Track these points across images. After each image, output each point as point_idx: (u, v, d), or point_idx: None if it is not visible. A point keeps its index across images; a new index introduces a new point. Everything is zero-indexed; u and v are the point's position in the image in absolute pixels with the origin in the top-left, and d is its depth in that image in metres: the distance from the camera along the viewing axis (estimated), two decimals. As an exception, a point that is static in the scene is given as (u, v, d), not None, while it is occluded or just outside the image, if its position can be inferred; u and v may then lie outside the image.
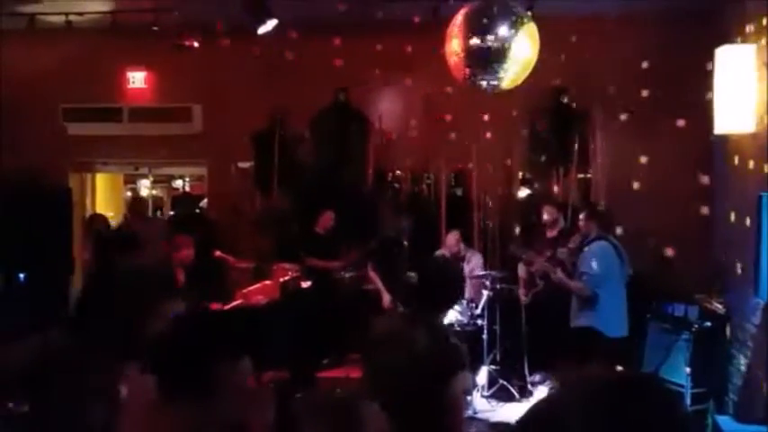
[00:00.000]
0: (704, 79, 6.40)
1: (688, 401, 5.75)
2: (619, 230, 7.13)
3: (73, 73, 8.80)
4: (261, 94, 8.36)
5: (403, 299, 6.32)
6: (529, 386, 6.95)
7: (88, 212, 9.38)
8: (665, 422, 1.45)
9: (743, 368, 5.99)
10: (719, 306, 6.43)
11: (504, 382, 6.89)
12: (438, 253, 7.54)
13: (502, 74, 5.43)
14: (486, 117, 7.88)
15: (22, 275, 7.01)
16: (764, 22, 5.71)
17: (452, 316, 6.89)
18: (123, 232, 8.32)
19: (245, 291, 6.87)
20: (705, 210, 7.39)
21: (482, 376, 6.87)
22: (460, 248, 7.46)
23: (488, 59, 5.39)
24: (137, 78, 9.16)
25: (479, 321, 6.95)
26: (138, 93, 9.17)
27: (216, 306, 6.09)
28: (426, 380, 2.01)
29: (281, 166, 8.44)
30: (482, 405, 6.68)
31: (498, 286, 7.19)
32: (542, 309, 6.72)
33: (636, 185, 7.75)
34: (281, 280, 7.16)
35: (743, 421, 5.65)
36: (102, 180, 10.26)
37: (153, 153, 9.28)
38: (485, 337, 6.91)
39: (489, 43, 5.33)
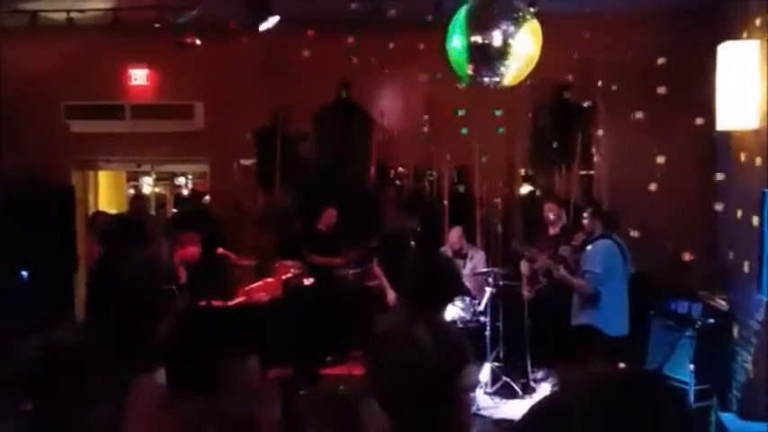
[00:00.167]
0: (707, 76, 6.38)
1: (691, 398, 5.75)
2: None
3: (75, 70, 8.80)
4: (263, 92, 8.36)
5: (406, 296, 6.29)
6: (532, 383, 6.94)
7: (91, 210, 9.38)
8: (668, 419, 1.45)
9: (746, 365, 5.98)
10: (723, 303, 6.42)
11: (507, 379, 6.89)
12: (442, 250, 7.54)
13: (504, 70, 5.41)
14: (488, 114, 7.87)
15: (25, 273, 7.03)
16: (766, 18, 5.69)
17: (455, 313, 6.88)
18: (130, 221, 8.30)
19: (247, 288, 6.88)
20: (708, 206, 7.37)
21: (485, 373, 6.87)
22: (463, 245, 7.45)
23: (491, 56, 5.37)
24: (139, 76, 9.17)
25: (482, 318, 6.95)
26: (141, 90, 9.17)
27: (217, 303, 6.09)
28: (433, 377, 2.01)
29: (284, 164, 8.43)
30: (485, 402, 6.67)
31: (501, 283, 7.18)
32: (545, 306, 6.71)
33: (638, 182, 7.73)
34: (284, 277, 7.16)
35: (746, 418, 5.63)
36: (104, 177, 10.27)
37: (155, 150, 9.28)
38: (487, 334, 6.90)
39: (491, 40, 5.31)
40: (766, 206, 5.36)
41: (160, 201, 11.07)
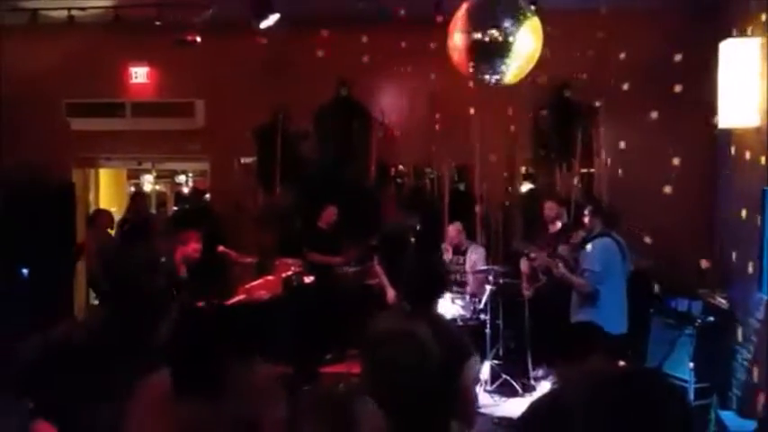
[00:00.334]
0: (709, 74, 6.38)
1: (691, 396, 5.75)
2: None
3: (75, 68, 8.81)
4: (263, 90, 8.36)
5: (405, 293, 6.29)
6: (532, 381, 6.94)
7: (92, 208, 9.39)
8: (668, 416, 1.45)
9: (746, 363, 5.98)
10: (723, 301, 6.41)
11: (507, 377, 6.89)
12: (442, 247, 7.56)
13: (505, 68, 5.41)
14: (488, 111, 7.86)
15: (25, 271, 7.03)
16: (767, 15, 5.69)
17: (455, 311, 6.89)
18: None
19: (247, 286, 6.88)
20: (709, 204, 7.37)
21: (485, 371, 6.87)
22: (462, 240, 7.45)
23: (491, 54, 5.37)
24: (139, 74, 9.17)
25: (482, 316, 6.95)
26: (141, 88, 9.18)
27: (217, 302, 6.10)
28: (436, 374, 2.01)
29: (284, 162, 8.43)
30: (485, 400, 6.67)
31: (501, 281, 7.18)
32: (545, 304, 6.70)
33: (638, 180, 7.73)
34: (284, 275, 7.16)
35: (746, 416, 5.63)
36: (105, 175, 10.27)
37: (156, 148, 9.29)
38: (487, 331, 6.91)
39: (492, 37, 5.31)
40: (767, 204, 5.35)
41: (161, 199, 11.08)
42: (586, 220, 6.22)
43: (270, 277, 7.15)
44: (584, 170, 8.14)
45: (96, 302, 8.62)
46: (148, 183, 11.08)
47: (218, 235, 7.78)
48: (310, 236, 7.81)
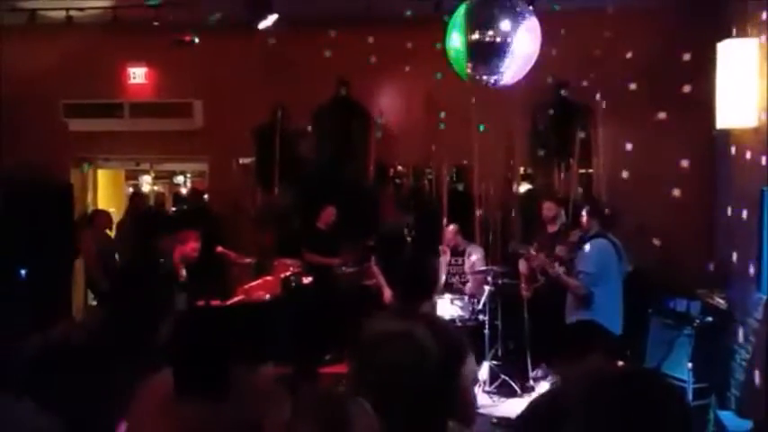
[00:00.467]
0: (707, 74, 6.38)
1: (690, 397, 5.74)
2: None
3: (73, 69, 8.80)
4: (262, 90, 8.35)
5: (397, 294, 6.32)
6: (531, 382, 6.94)
7: (90, 208, 9.38)
8: (667, 417, 1.45)
9: (745, 364, 5.98)
10: (721, 301, 6.41)
11: (506, 378, 6.88)
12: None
13: (503, 69, 5.41)
14: (487, 112, 7.86)
15: (23, 271, 7.02)
16: (766, 16, 5.69)
17: (454, 311, 6.89)
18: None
19: (246, 286, 6.88)
20: (707, 204, 7.38)
21: (484, 372, 6.87)
22: (459, 242, 7.46)
23: (489, 54, 5.37)
24: (137, 74, 9.16)
25: (481, 317, 6.94)
26: (139, 88, 9.17)
27: (215, 302, 6.09)
28: (434, 375, 2.01)
29: (283, 162, 8.43)
30: (484, 400, 6.67)
31: (500, 282, 7.18)
32: (543, 305, 6.70)
33: (637, 180, 7.74)
34: (283, 276, 7.16)
35: (745, 416, 5.64)
36: (103, 176, 10.26)
37: (154, 149, 9.28)
38: (486, 332, 6.90)
39: (490, 38, 5.31)
40: (765, 204, 5.35)
41: (159, 199, 11.07)
42: (583, 219, 6.22)
43: (268, 278, 7.15)
44: (583, 170, 8.14)
45: (95, 303, 8.62)
46: (147, 183, 11.07)
47: (216, 235, 7.77)
48: (309, 236, 7.80)
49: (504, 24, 5.30)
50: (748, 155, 6.11)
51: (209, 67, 8.54)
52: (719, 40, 6.13)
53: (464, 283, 7.36)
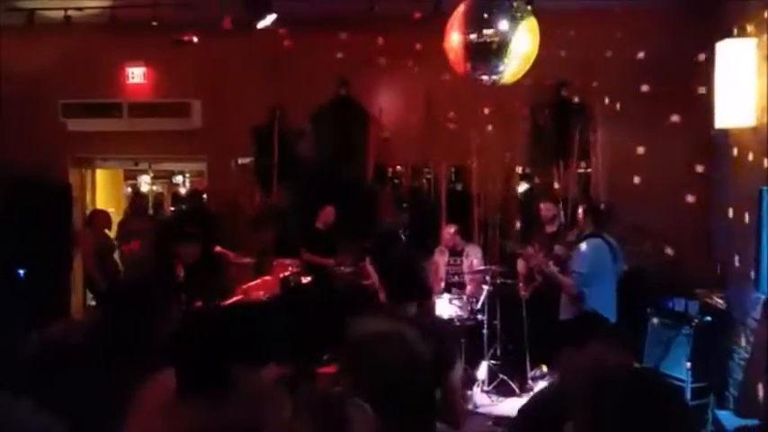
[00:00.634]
0: (705, 73, 6.39)
1: (688, 396, 5.75)
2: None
3: (72, 68, 8.79)
4: (260, 89, 8.35)
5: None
6: (529, 381, 6.95)
7: (88, 209, 9.37)
8: (668, 417, 1.45)
9: (743, 363, 5.99)
10: (720, 301, 6.42)
11: (505, 377, 6.89)
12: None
13: (502, 68, 5.40)
14: (486, 112, 7.87)
15: (21, 271, 7.01)
16: (765, 15, 5.69)
17: (453, 311, 6.90)
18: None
19: (245, 286, 6.87)
20: (706, 204, 7.38)
21: (482, 371, 6.88)
22: (457, 242, 7.46)
23: (488, 54, 5.37)
24: (136, 74, 9.15)
25: (480, 316, 6.95)
26: (138, 88, 9.16)
27: (214, 302, 6.09)
28: (425, 376, 2.01)
29: (282, 162, 8.42)
30: (482, 400, 6.68)
31: (498, 281, 7.19)
32: (542, 304, 6.71)
33: (636, 180, 7.75)
34: (281, 276, 7.15)
35: (743, 416, 5.64)
36: (102, 176, 10.26)
37: (152, 149, 9.27)
38: (485, 332, 6.91)
39: (489, 37, 5.31)
40: (764, 204, 5.36)
41: (158, 199, 11.07)
42: (579, 219, 6.22)
43: (267, 277, 7.14)
44: (582, 170, 8.14)
45: (93, 303, 8.62)
46: (145, 183, 11.06)
47: (215, 235, 7.77)
48: (307, 236, 7.80)
49: (504, 24, 5.30)
50: (747, 155, 6.12)
51: (208, 67, 8.54)
52: (719, 39, 6.13)
53: (463, 283, 7.36)
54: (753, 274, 5.57)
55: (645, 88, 7.74)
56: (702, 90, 6.52)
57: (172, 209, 11.17)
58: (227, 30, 7.56)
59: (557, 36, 6.47)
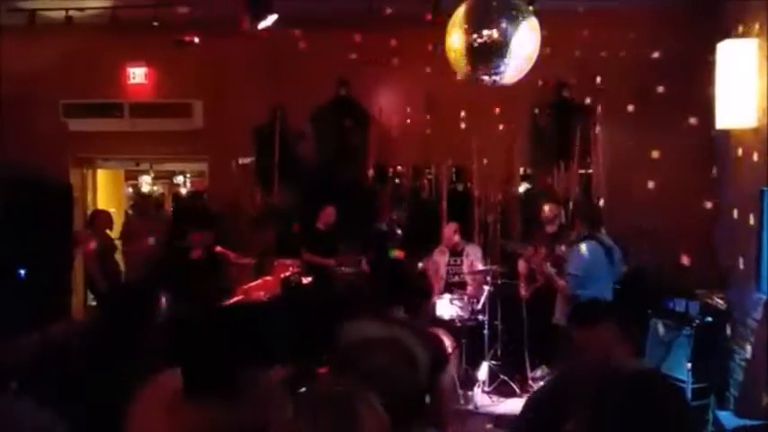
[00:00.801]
0: (706, 74, 6.39)
1: (689, 397, 5.75)
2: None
3: (73, 69, 8.80)
4: (261, 90, 8.35)
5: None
6: (530, 381, 6.95)
7: (89, 209, 9.38)
8: (670, 416, 1.45)
9: (743, 364, 5.98)
10: (720, 301, 6.42)
11: (506, 378, 6.89)
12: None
13: (503, 69, 5.39)
14: (486, 112, 7.87)
15: (22, 271, 7.01)
16: (766, 16, 5.69)
17: (453, 311, 6.90)
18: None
19: (245, 287, 6.87)
20: (707, 205, 7.38)
21: (483, 372, 6.88)
22: (458, 242, 7.46)
23: (489, 54, 5.36)
24: (137, 74, 9.16)
25: (480, 317, 6.95)
26: (139, 88, 9.17)
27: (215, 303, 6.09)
28: (420, 379, 2.00)
29: (282, 162, 8.43)
30: (483, 400, 6.68)
31: (499, 282, 7.19)
32: (543, 304, 6.71)
33: (637, 181, 7.74)
34: (282, 276, 7.15)
35: (743, 416, 5.64)
36: (103, 176, 10.27)
37: (154, 149, 9.28)
38: (486, 332, 6.91)
39: (490, 38, 5.31)
40: (765, 204, 5.36)
41: (158, 200, 11.08)
42: (575, 221, 6.23)
43: (268, 278, 7.14)
44: (583, 170, 8.14)
45: (94, 303, 8.62)
46: (146, 183, 11.08)
47: (216, 236, 7.78)
48: (308, 237, 7.80)
49: (504, 24, 5.30)
50: (747, 155, 6.11)
51: (209, 68, 8.54)
52: (720, 40, 6.13)
53: (463, 283, 7.36)
54: (754, 274, 5.56)
55: (646, 88, 7.73)
56: (704, 90, 6.51)
57: (172, 209, 11.17)
58: (228, 30, 7.56)
59: (558, 36, 6.47)
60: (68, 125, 8.86)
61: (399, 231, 7.85)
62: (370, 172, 8.50)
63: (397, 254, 7.28)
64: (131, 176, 11.36)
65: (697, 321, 6.20)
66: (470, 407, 6.56)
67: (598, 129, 7.97)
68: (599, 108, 7.91)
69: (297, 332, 6.99)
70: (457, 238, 7.46)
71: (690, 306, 6.44)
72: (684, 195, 7.56)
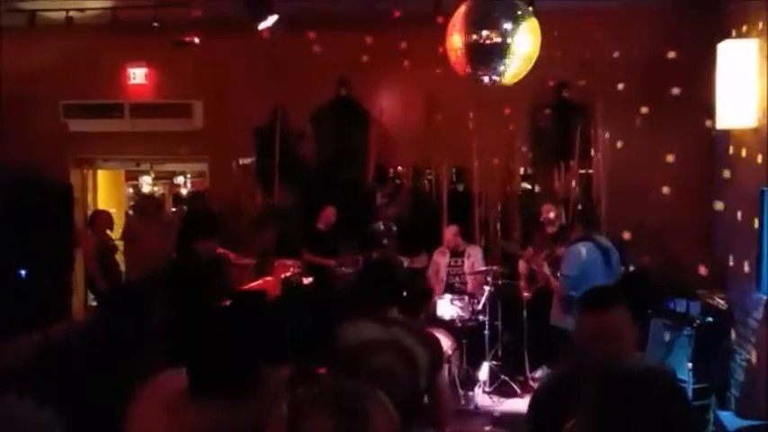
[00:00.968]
0: (707, 74, 6.38)
1: (690, 397, 5.74)
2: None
3: (73, 69, 8.81)
4: (262, 90, 8.35)
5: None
6: (530, 382, 6.94)
7: (90, 209, 9.38)
8: (669, 416, 1.45)
9: (745, 364, 5.98)
10: (721, 302, 6.41)
11: (506, 378, 6.89)
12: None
13: (503, 69, 5.41)
14: (487, 112, 7.87)
15: (23, 272, 7.02)
16: (766, 16, 5.69)
17: (454, 311, 6.89)
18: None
19: (246, 287, 6.88)
20: (707, 205, 7.37)
21: (484, 372, 6.88)
22: (459, 243, 7.46)
23: (490, 55, 5.37)
24: (137, 74, 9.16)
25: (481, 317, 6.95)
26: (139, 89, 9.17)
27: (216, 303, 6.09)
28: (417, 379, 2.00)
29: (283, 162, 8.42)
30: (484, 400, 6.68)
31: (500, 282, 7.19)
32: (543, 305, 6.71)
33: (637, 181, 7.74)
34: (283, 276, 7.15)
35: (744, 416, 5.64)
36: (103, 176, 10.27)
37: (154, 149, 9.28)
38: (486, 332, 6.91)
39: (490, 38, 5.31)
40: (765, 204, 5.36)
41: (158, 200, 11.05)
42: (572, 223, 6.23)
43: (268, 278, 7.15)
44: (583, 171, 8.14)
45: (95, 303, 8.62)
46: (147, 184, 11.07)
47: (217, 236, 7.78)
48: (309, 237, 7.80)
49: (505, 25, 5.30)
50: (748, 155, 6.11)
51: (210, 68, 8.54)
52: (719, 40, 6.13)
53: (464, 284, 7.36)
54: (754, 274, 5.56)
55: (646, 89, 7.73)
56: (704, 91, 6.51)
57: (173, 209, 11.16)
58: (228, 30, 7.58)
59: (558, 36, 6.47)
60: (69, 126, 8.87)
61: (395, 228, 7.84)
62: (371, 172, 8.50)
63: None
64: (132, 177, 11.35)
65: (698, 321, 6.20)
66: (471, 407, 6.56)
67: (598, 129, 7.97)
68: (599, 108, 7.90)
69: (298, 332, 7.00)
70: (458, 240, 7.46)
71: (691, 306, 6.44)
72: (684, 195, 7.56)
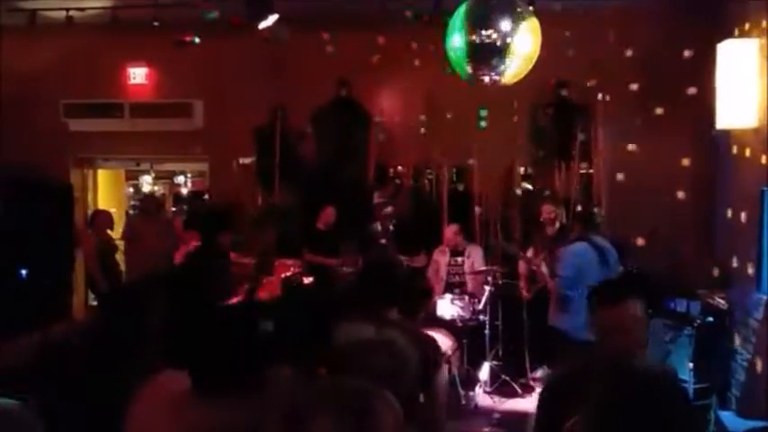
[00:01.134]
0: (707, 74, 6.38)
1: (691, 397, 5.74)
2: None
3: (74, 69, 8.81)
4: (262, 90, 8.35)
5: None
6: (531, 382, 6.94)
7: (90, 209, 9.38)
8: (670, 417, 1.45)
9: (745, 364, 5.98)
10: (722, 301, 6.41)
11: (507, 378, 6.89)
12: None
13: (503, 69, 5.40)
14: (487, 112, 7.86)
15: (24, 271, 7.02)
16: (766, 16, 5.69)
17: (454, 311, 6.89)
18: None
19: (246, 287, 6.86)
20: (707, 205, 7.37)
21: (484, 372, 6.88)
22: (459, 242, 7.46)
23: (490, 54, 5.36)
24: (138, 74, 9.16)
25: (481, 317, 6.95)
26: (139, 88, 9.17)
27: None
28: (414, 382, 2.00)
29: (283, 162, 8.42)
30: (484, 400, 6.68)
31: (500, 282, 7.18)
32: (544, 305, 6.70)
33: (637, 181, 7.73)
34: (283, 276, 7.15)
35: (745, 416, 5.64)
36: (103, 176, 10.27)
37: (154, 149, 9.28)
38: (487, 332, 6.91)
39: (491, 38, 5.30)
40: (765, 204, 5.35)
41: (159, 200, 11.05)
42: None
43: (269, 278, 7.14)
44: (583, 171, 8.13)
45: (95, 303, 8.62)
46: (147, 184, 11.07)
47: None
48: (309, 237, 7.80)
49: (505, 24, 5.30)
50: (748, 155, 6.11)
51: (210, 68, 8.54)
52: (720, 40, 6.13)
53: (464, 283, 7.36)
54: (755, 274, 5.56)
55: (646, 88, 7.73)
56: (704, 90, 6.51)
57: (173, 209, 11.16)
58: (228, 30, 7.57)
59: (558, 36, 6.47)
60: (69, 125, 8.87)
61: (392, 227, 7.84)
62: (371, 172, 8.49)
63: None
64: (132, 176, 11.36)
65: (698, 321, 6.20)
66: (471, 407, 6.56)
67: (598, 129, 7.97)
68: (599, 108, 7.90)
69: (298, 332, 6.99)
70: (458, 239, 7.46)
71: (691, 306, 6.44)
72: (685, 195, 7.55)
